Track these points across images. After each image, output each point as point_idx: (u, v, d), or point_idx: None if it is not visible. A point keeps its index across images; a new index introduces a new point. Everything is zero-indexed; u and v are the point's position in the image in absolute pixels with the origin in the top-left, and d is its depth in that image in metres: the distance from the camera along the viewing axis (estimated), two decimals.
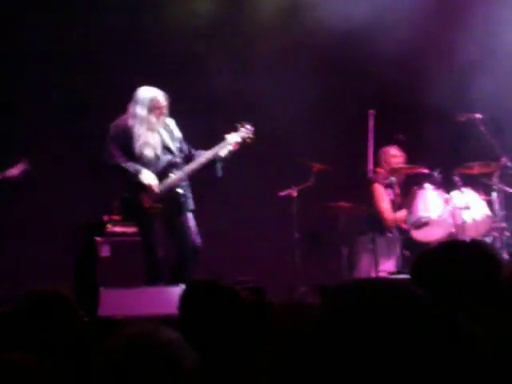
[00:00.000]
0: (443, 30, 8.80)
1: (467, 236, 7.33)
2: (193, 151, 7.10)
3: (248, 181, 8.70)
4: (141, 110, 6.85)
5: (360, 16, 8.43)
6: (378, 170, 8.06)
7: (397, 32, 8.38)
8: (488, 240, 7.58)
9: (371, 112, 7.84)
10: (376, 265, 7.60)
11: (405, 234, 7.84)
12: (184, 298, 3.33)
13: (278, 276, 8.06)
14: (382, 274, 7.49)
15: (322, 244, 8.80)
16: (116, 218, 7.75)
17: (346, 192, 8.17)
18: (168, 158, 6.93)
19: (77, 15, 8.88)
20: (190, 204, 6.95)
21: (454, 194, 7.76)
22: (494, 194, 7.73)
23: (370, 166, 7.75)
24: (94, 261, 7.77)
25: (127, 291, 6.59)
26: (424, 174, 7.91)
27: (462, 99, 8.33)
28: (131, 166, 6.82)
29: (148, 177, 6.80)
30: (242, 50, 9.05)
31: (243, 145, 7.09)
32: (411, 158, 8.17)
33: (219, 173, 7.05)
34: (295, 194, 8.04)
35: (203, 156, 7.00)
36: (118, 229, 7.85)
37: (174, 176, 6.90)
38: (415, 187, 7.90)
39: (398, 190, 8.10)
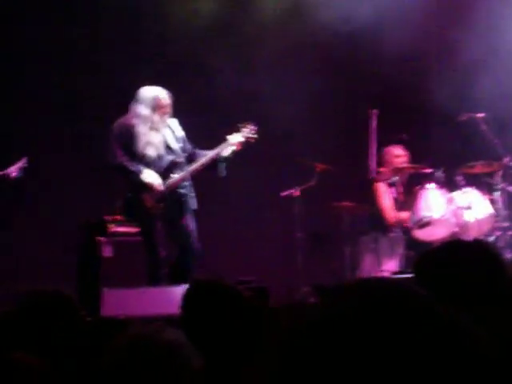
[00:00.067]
0: (446, 30, 8.80)
1: (470, 235, 7.32)
2: (196, 151, 7.10)
3: (250, 181, 8.70)
4: (144, 109, 6.84)
5: (362, 16, 8.42)
6: (381, 169, 8.06)
7: (399, 31, 8.37)
8: (491, 239, 7.57)
9: (374, 112, 7.83)
10: (379, 264, 7.60)
11: (407, 234, 7.84)
12: (186, 297, 3.32)
13: (280, 276, 8.07)
14: (384, 274, 7.48)
15: (325, 244, 8.80)
16: (118, 218, 7.75)
17: (348, 192, 8.18)
18: (170, 157, 6.92)
19: (77, 15, 8.88)
20: (193, 203, 6.94)
21: (457, 193, 7.75)
22: (497, 194, 7.73)
23: (373, 165, 7.75)
24: (97, 261, 7.78)
25: (130, 291, 6.60)
26: (427, 174, 7.90)
27: (465, 99, 8.33)
28: (134, 165, 6.81)
29: (150, 176, 6.80)
30: (244, 49, 9.05)
31: (246, 145, 7.09)
32: (414, 158, 8.17)
33: (222, 173, 7.05)
34: (298, 193, 8.04)
35: (206, 156, 6.99)
36: (120, 229, 7.85)
37: (176, 176, 6.90)
38: (418, 187, 7.89)
39: (400, 189, 8.10)
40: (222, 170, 7.04)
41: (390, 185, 8.14)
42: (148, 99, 6.85)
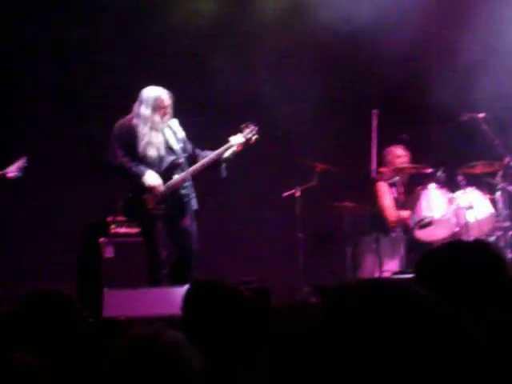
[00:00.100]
0: (446, 30, 8.80)
1: (471, 235, 7.32)
2: (197, 151, 7.09)
3: (251, 181, 8.70)
4: (145, 110, 6.84)
5: (363, 16, 8.42)
6: (382, 169, 8.05)
7: (399, 32, 8.37)
8: (492, 239, 7.57)
9: (375, 112, 7.83)
10: (380, 265, 7.59)
11: (408, 234, 7.84)
12: (187, 298, 3.33)
13: (281, 276, 8.07)
14: (386, 274, 7.48)
15: (326, 244, 8.80)
16: (120, 218, 7.76)
17: (349, 192, 8.17)
18: (171, 158, 6.92)
19: (77, 15, 8.88)
20: (194, 204, 6.94)
21: (458, 193, 7.75)
22: (498, 193, 7.73)
23: (374, 165, 7.74)
24: (98, 262, 7.78)
25: (131, 292, 6.60)
26: (427, 174, 7.90)
27: (466, 99, 8.32)
28: (135, 166, 6.81)
29: (151, 178, 6.80)
30: (244, 49, 9.04)
31: (247, 145, 7.09)
32: (415, 158, 8.17)
33: (223, 174, 7.05)
34: (298, 194, 8.04)
35: (207, 157, 6.99)
36: (121, 230, 7.85)
37: (177, 177, 6.90)
38: (419, 187, 7.89)
39: (401, 189, 8.10)
40: (223, 171, 7.05)
41: (391, 185, 8.14)
42: (149, 99, 6.85)
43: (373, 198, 8.06)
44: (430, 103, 8.61)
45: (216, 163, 6.99)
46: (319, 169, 8.04)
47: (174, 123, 6.96)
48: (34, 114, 8.72)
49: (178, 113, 6.97)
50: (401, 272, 7.37)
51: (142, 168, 6.81)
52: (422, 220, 7.72)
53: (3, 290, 7.18)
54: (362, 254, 8.10)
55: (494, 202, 7.75)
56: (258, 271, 7.66)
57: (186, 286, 3.41)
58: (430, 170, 7.88)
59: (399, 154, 8.19)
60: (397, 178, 7.97)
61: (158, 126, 6.85)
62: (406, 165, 8.07)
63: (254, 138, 7.10)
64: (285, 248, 8.48)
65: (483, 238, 7.24)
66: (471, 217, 7.61)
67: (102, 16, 8.79)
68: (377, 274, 7.53)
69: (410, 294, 1.03)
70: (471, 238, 6.63)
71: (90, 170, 8.60)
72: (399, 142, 8.15)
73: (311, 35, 8.85)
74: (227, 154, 6.99)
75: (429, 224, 7.71)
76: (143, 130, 6.82)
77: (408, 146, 8.18)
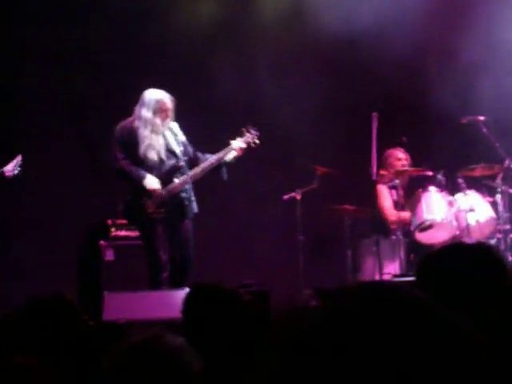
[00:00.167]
0: (446, 32, 8.79)
1: (472, 238, 7.32)
2: (198, 154, 7.09)
3: (252, 184, 8.70)
4: (146, 112, 6.84)
5: (363, 18, 8.42)
6: (382, 172, 8.05)
7: (400, 33, 8.38)
8: (492, 242, 7.57)
9: (375, 114, 7.82)
10: (380, 267, 7.59)
11: (409, 237, 7.83)
12: (187, 301, 3.33)
13: (281, 279, 8.06)
14: (386, 277, 7.48)
15: (326, 247, 8.80)
16: (120, 221, 7.76)
17: (349, 195, 8.18)
18: (172, 162, 6.92)
19: (77, 15, 8.88)
20: (194, 207, 6.94)
21: (458, 196, 7.75)
22: (498, 196, 7.73)
23: (374, 168, 7.74)
24: (98, 264, 7.78)
25: (131, 295, 6.60)
26: (428, 177, 7.90)
27: (466, 101, 8.33)
28: (135, 170, 6.81)
29: (151, 182, 6.79)
30: (245, 51, 9.04)
31: (248, 149, 7.09)
32: (415, 161, 8.17)
33: (224, 176, 7.05)
34: (299, 196, 8.04)
35: (207, 161, 6.99)
36: (122, 233, 7.86)
37: (177, 180, 6.90)
38: (419, 190, 7.89)
39: (401, 192, 8.09)
40: (224, 174, 7.05)
41: (391, 187, 8.14)
42: (151, 102, 6.85)
43: (373, 200, 8.06)
44: (430, 106, 8.61)
45: (217, 167, 7.00)
46: (320, 171, 8.05)
47: (175, 126, 6.97)
48: (34, 114, 8.71)
49: (178, 113, 6.97)
50: (401, 275, 7.36)
51: (142, 172, 6.80)
52: (422, 223, 7.72)
53: (5, 296, 7.16)
54: (363, 257, 8.10)
55: (494, 204, 7.75)
56: (259, 274, 7.66)
57: (186, 290, 3.42)
58: (430, 173, 7.87)
59: (399, 157, 8.19)
60: (397, 181, 7.97)
61: (159, 129, 6.85)
62: (406, 167, 8.07)
63: (254, 142, 7.11)
64: (285, 250, 8.48)
65: (484, 240, 7.24)
66: (472, 220, 7.61)
67: (102, 16, 8.79)
68: (377, 277, 7.53)
69: (410, 298, 1.03)
70: (472, 241, 6.62)
71: (90, 170, 8.61)
72: (399, 144, 8.15)
73: (311, 37, 8.84)
74: (228, 157, 6.99)
75: (429, 227, 7.71)
76: (144, 132, 6.82)
77: (408, 148, 8.18)
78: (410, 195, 8.03)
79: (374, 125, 7.78)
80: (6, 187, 7.63)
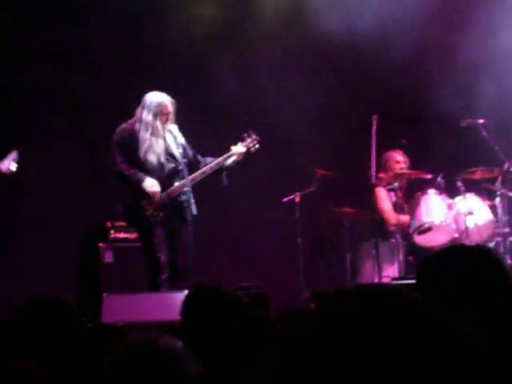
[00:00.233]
0: (445, 35, 8.79)
1: (470, 241, 7.32)
2: (198, 157, 7.09)
3: (251, 186, 8.69)
4: (147, 115, 6.84)
5: (363, 19, 8.42)
6: (381, 175, 8.05)
7: (400, 37, 8.38)
8: (491, 245, 7.57)
9: (374, 117, 7.82)
10: (379, 270, 7.59)
11: (408, 240, 7.83)
12: (187, 303, 3.33)
13: (280, 281, 8.06)
14: (385, 280, 7.48)
15: (326, 249, 8.80)
16: (119, 223, 7.76)
17: (349, 197, 8.18)
18: (172, 165, 6.91)
19: (77, 15, 8.88)
20: (193, 209, 6.93)
21: (457, 199, 7.75)
22: (497, 199, 7.73)
23: (373, 171, 7.74)
24: (97, 266, 7.78)
25: (130, 297, 6.60)
26: (427, 180, 7.90)
27: (466, 103, 8.33)
28: (134, 173, 6.80)
29: (151, 185, 6.78)
30: (245, 54, 9.04)
31: (248, 154, 7.09)
32: (414, 163, 8.17)
33: (224, 182, 7.05)
34: (298, 199, 8.04)
35: (207, 166, 6.99)
36: (121, 235, 7.86)
37: (176, 184, 6.89)
38: (418, 192, 7.89)
39: (400, 195, 8.09)
40: (224, 179, 7.05)
41: (390, 190, 8.13)
42: (152, 105, 6.85)
43: (372, 203, 8.05)
44: (430, 109, 8.61)
45: (217, 171, 7.00)
46: (319, 174, 8.05)
47: (174, 128, 6.96)
48: (34, 114, 8.71)
49: (178, 113, 6.96)
50: (400, 277, 7.36)
51: (141, 174, 6.80)
52: (421, 225, 7.72)
53: (5, 300, 7.15)
54: (362, 260, 8.10)
55: (493, 207, 7.75)
56: (258, 276, 7.66)
57: (185, 292, 3.42)
58: (429, 176, 7.87)
59: (398, 160, 8.18)
60: (396, 184, 7.96)
61: (159, 133, 6.85)
62: (405, 170, 8.07)
63: (255, 147, 7.12)
64: (284, 253, 8.47)
65: (483, 243, 7.23)
66: (471, 223, 7.61)
67: (102, 16, 8.79)
68: (376, 280, 7.53)
69: (409, 301, 1.03)
70: (471, 244, 6.62)
71: (90, 170, 8.61)
72: (398, 147, 8.15)
73: (311, 37, 8.83)
74: (228, 162, 7.00)
75: (428, 230, 7.71)
76: (144, 135, 6.81)
77: (408, 151, 8.18)
78: (409, 198, 8.04)
79: (374, 128, 7.78)
80: (5, 187, 7.61)
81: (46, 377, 2.22)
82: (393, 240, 7.84)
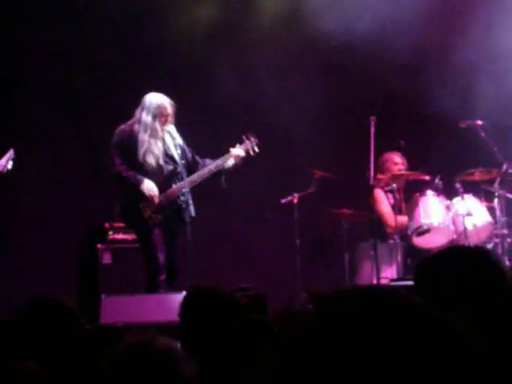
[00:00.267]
0: (444, 36, 8.80)
1: (469, 242, 7.33)
2: (196, 158, 7.08)
3: (249, 187, 8.69)
4: (146, 116, 6.83)
5: (362, 19, 8.43)
6: (379, 176, 8.05)
7: (397, 38, 8.38)
8: (489, 246, 7.57)
9: (372, 118, 7.82)
10: (377, 271, 7.59)
11: (406, 241, 7.84)
12: (185, 304, 3.33)
13: (279, 282, 8.06)
14: (383, 281, 7.48)
15: (324, 250, 8.80)
16: (117, 225, 7.76)
17: (347, 199, 8.18)
18: (170, 167, 6.90)
19: (77, 15, 8.88)
20: (191, 210, 6.92)
21: (456, 200, 7.75)
22: (496, 201, 7.73)
23: (372, 172, 7.74)
24: (96, 267, 7.78)
25: (128, 298, 6.59)
26: (425, 181, 7.90)
27: (464, 104, 8.33)
28: (133, 175, 6.79)
29: (149, 187, 6.78)
30: (245, 52, 9.03)
31: (247, 156, 7.09)
32: (412, 165, 8.17)
33: (224, 184, 7.05)
34: (296, 200, 8.04)
35: (206, 168, 6.98)
36: (119, 236, 7.85)
37: (175, 186, 6.89)
38: (417, 194, 7.89)
39: (398, 196, 8.09)
40: (223, 183, 7.04)
41: (388, 191, 8.13)
42: (151, 106, 6.84)
43: (370, 204, 8.06)
44: (428, 109, 8.61)
45: (216, 173, 7.00)
46: (317, 175, 8.05)
47: (173, 129, 6.95)
48: (34, 114, 8.71)
49: (178, 114, 6.96)
50: (398, 279, 7.36)
51: (139, 176, 6.79)
52: (419, 227, 7.72)
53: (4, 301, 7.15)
54: (360, 261, 8.10)
55: (491, 209, 7.75)
56: (256, 277, 7.66)
57: (184, 293, 3.42)
58: (427, 177, 7.87)
59: (396, 161, 8.18)
60: (394, 185, 7.96)
61: (158, 134, 6.84)
62: (403, 172, 8.07)
63: (253, 149, 7.12)
64: (283, 254, 8.48)
65: (481, 245, 7.24)
66: (469, 224, 7.61)
67: (102, 16, 8.79)
68: (374, 281, 7.53)
69: (407, 302, 1.03)
70: (469, 245, 6.63)
71: (90, 170, 8.61)
72: (397, 148, 8.15)
73: (311, 37, 8.83)
74: (227, 165, 6.99)
75: (426, 231, 7.72)
76: (143, 137, 6.81)
77: (406, 152, 8.18)
78: (408, 199, 8.04)
79: (372, 129, 7.78)
80: (5, 187, 7.60)
81: (45, 377, 2.22)
82: (391, 241, 7.84)
